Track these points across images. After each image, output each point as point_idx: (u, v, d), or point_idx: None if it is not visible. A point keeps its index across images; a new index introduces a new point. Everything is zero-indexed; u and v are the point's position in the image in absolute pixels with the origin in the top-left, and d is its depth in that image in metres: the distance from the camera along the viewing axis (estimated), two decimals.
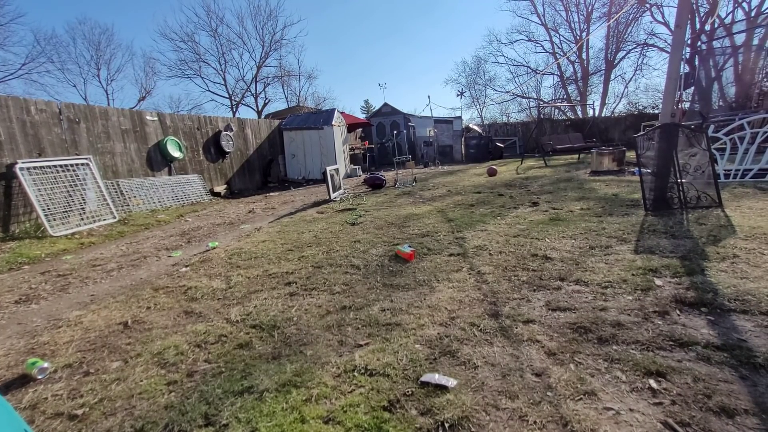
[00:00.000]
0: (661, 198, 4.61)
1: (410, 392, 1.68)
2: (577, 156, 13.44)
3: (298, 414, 1.59)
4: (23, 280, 3.85)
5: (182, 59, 30.49)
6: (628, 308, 2.25)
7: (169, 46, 43.18)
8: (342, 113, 14.94)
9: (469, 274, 3.04)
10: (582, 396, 1.56)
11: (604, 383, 1.63)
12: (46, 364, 2.07)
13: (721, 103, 13.05)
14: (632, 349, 1.85)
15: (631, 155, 9.49)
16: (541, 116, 23.22)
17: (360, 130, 19.34)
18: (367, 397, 1.67)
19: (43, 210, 5.74)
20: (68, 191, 6.27)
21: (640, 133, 5.55)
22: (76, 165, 6.63)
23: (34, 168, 5.96)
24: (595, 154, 9.14)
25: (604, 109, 29.07)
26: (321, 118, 12.98)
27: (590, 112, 26.79)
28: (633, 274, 2.71)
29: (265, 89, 31.54)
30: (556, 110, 28.12)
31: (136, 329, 2.53)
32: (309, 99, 33.87)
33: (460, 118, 21.32)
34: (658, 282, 2.57)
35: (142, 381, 1.92)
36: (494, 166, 10.84)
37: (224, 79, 30.46)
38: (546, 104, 27.26)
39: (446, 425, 1.47)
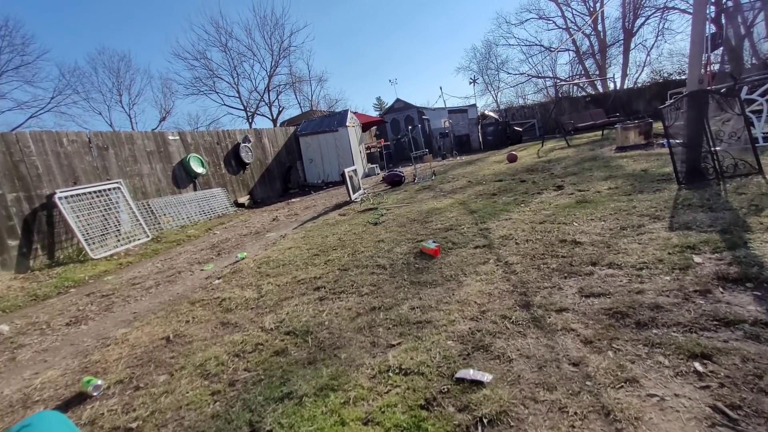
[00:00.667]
0: (694, 169, 4.39)
1: (446, 389, 1.68)
2: (600, 133, 12.95)
3: (337, 417, 1.63)
4: (71, 303, 4.09)
5: (196, 77, 31.35)
6: (666, 289, 2.17)
7: (183, 66, 44.52)
8: (355, 113, 15.00)
9: (497, 265, 3.00)
10: (623, 384, 1.52)
11: (646, 369, 1.59)
12: (99, 382, 2.20)
13: (754, 61, 12.26)
14: (674, 332, 1.79)
15: (658, 127, 9.07)
16: (559, 95, 22.50)
17: (374, 128, 19.35)
18: (403, 396, 1.68)
19: (83, 235, 6.07)
20: (103, 215, 6.60)
21: (666, 103, 5.30)
22: (109, 189, 6.96)
23: (71, 196, 6.30)
24: (620, 129, 8.79)
25: (626, 81, 27.83)
26: (335, 121, 13.07)
27: (611, 86, 25.74)
28: (669, 253, 2.60)
29: (278, 97, 32.03)
30: (575, 87, 27.15)
31: (178, 343, 2.65)
32: (321, 102, 34.17)
33: (474, 105, 20.99)
34: (697, 259, 2.46)
35: (188, 392, 2.01)
36: (514, 152, 10.61)
37: (238, 92, 31.13)
38: (563, 82, 26.39)
39: (485, 421, 1.47)
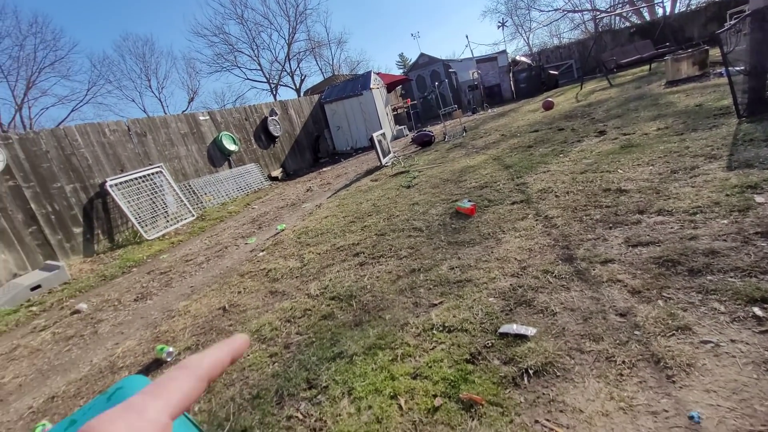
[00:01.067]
0: (757, 100, 3.94)
1: (490, 344, 1.72)
2: (647, 67, 11.80)
3: (387, 372, 1.72)
4: (135, 281, 4.48)
5: (217, 53, 31.49)
6: (723, 233, 2.04)
7: (204, 43, 44.70)
8: (378, 74, 14.55)
9: (536, 220, 2.93)
10: (674, 332, 1.49)
11: (699, 316, 1.53)
12: (171, 349, 2.44)
13: None
14: (731, 278, 1.70)
15: (715, 54, 8.13)
16: (599, 29, 20.50)
17: (399, 87, 18.75)
18: (448, 352, 1.75)
19: (136, 218, 6.52)
20: (151, 198, 7.02)
21: (725, 26, 4.70)
22: (152, 174, 7.34)
23: (120, 183, 6.72)
24: (670, 60, 7.95)
25: (677, 4, 24.80)
26: (358, 84, 12.77)
27: (659, 12, 23.06)
28: (727, 195, 2.42)
29: (299, 65, 31.60)
30: (617, 18, 24.59)
31: (233, 312, 2.86)
32: (343, 66, 33.37)
33: (504, 52, 19.66)
34: (759, 199, 2.27)
35: (249, 355, 2.20)
36: (550, 99, 9.96)
37: (259, 64, 30.95)
38: (604, 14, 23.93)
39: (530, 372, 1.50)
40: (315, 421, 1.57)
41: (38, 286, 4.80)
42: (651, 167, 3.29)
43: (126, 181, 6.82)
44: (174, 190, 7.50)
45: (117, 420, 0.23)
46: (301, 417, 1.62)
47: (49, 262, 5.52)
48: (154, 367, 2.38)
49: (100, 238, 6.48)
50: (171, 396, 0.26)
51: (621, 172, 3.40)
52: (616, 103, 7.23)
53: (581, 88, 11.39)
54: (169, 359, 2.39)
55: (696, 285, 1.71)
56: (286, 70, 31.20)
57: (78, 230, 6.21)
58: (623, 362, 1.42)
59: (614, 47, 15.95)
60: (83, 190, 6.45)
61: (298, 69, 31.53)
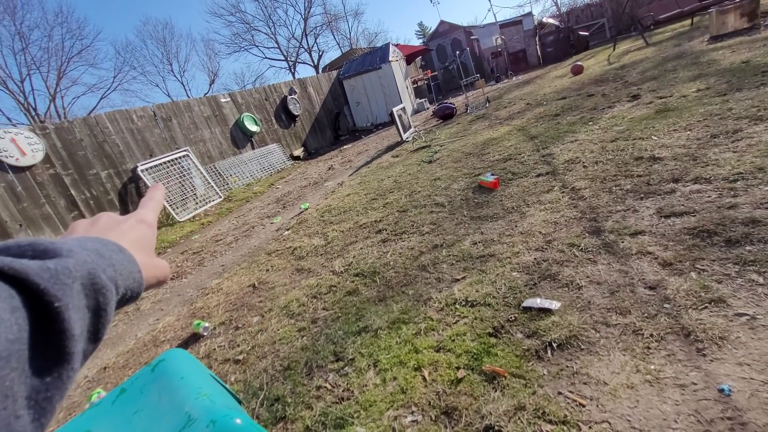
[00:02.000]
0: None
1: (513, 318, 1.73)
2: (689, 22, 10.88)
3: (411, 346, 1.77)
4: (170, 261, 4.72)
5: (235, 33, 31.41)
6: (766, 201, 1.92)
7: (221, 23, 44.59)
8: (397, 45, 14.13)
9: (562, 192, 2.85)
10: (707, 304, 1.44)
11: (735, 288, 1.47)
12: (207, 324, 2.59)
13: None
14: None
15: (767, 3, 7.37)
16: None
17: (419, 58, 18.19)
18: (471, 326, 1.77)
19: (167, 201, 6.79)
20: (179, 181, 7.27)
21: None
22: (179, 157, 7.57)
23: (150, 167, 6.98)
24: (715, 12, 7.29)
25: None
26: (377, 57, 12.47)
27: None
28: None
29: (316, 41, 31.16)
30: None
31: (263, 289, 2.98)
32: (360, 39, 32.58)
33: (530, 14, 18.57)
34: None
35: (278, 330, 2.30)
36: (579, 62, 9.41)
37: (276, 42, 30.68)
38: None
39: (554, 345, 1.51)
40: (343, 391, 1.65)
41: None
42: (688, 132, 3.10)
43: (155, 166, 7.07)
44: (201, 173, 7.72)
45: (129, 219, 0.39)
46: (329, 387, 1.70)
47: None
48: (192, 341, 2.54)
49: None
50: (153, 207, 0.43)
51: (655, 138, 3.22)
52: (652, 64, 6.76)
53: (614, 49, 10.67)
54: (205, 333, 2.54)
55: (733, 256, 1.64)
56: (303, 47, 30.82)
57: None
58: (651, 335, 1.40)
59: (651, 1, 14.74)
60: (117, 176, 6.75)
61: (315, 45, 31.10)
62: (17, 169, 5.54)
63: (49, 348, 0.22)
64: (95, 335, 0.26)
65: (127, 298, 0.30)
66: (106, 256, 0.29)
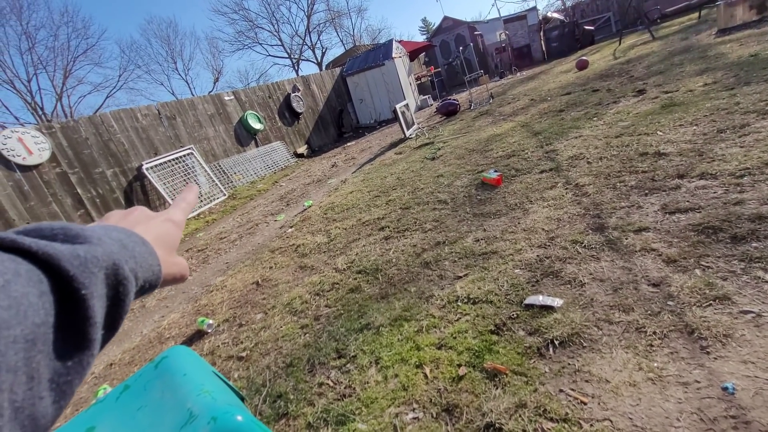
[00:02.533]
0: None
1: (515, 315, 1.72)
2: (697, 15, 10.72)
3: (412, 343, 1.77)
4: None
5: (239, 30, 31.46)
6: None
7: (225, 21, 44.67)
8: (400, 41, 14.06)
9: (566, 189, 2.83)
10: (711, 302, 1.43)
11: (740, 286, 1.46)
12: (211, 321, 2.61)
13: None
14: None
15: None
16: None
17: (423, 54, 18.10)
18: (473, 323, 1.77)
19: (172, 199, 6.82)
20: (184, 179, 7.31)
21: None
22: (184, 156, 7.60)
23: (155, 166, 7.02)
24: (723, 5, 7.18)
25: None
26: (380, 54, 12.42)
27: None
28: None
29: (319, 38, 31.11)
30: None
31: (266, 286, 2.99)
32: (364, 36, 32.50)
33: (534, 9, 18.38)
34: None
35: (281, 327, 2.32)
36: (584, 57, 9.31)
37: (280, 39, 30.66)
38: None
39: (556, 342, 1.50)
40: (345, 388, 1.66)
41: None
42: (695, 127, 3.06)
43: (160, 164, 7.11)
44: (205, 171, 7.76)
45: (159, 216, 0.40)
46: (331, 384, 1.71)
47: None
48: (196, 337, 2.56)
49: None
50: (183, 208, 0.45)
51: (660, 134, 3.18)
52: (658, 58, 6.67)
53: (620, 44, 10.55)
54: (209, 330, 2.56)
55: (738, 253, 1.62)
56: (306, 44, 30.79)
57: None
58: (654, 333, 1.39)
59: None
60: (122, 174, 6.80)
61: (318, 42, 31.05)
62: (24, 168, 5.60)
63: (72, 333, 0.23)
64: (113, 324, 0.27)
65: (145, 290, 0.32)
66: (129, 248, 0.30)
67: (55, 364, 0.21)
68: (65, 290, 0.22)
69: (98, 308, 0.24)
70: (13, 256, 0.21)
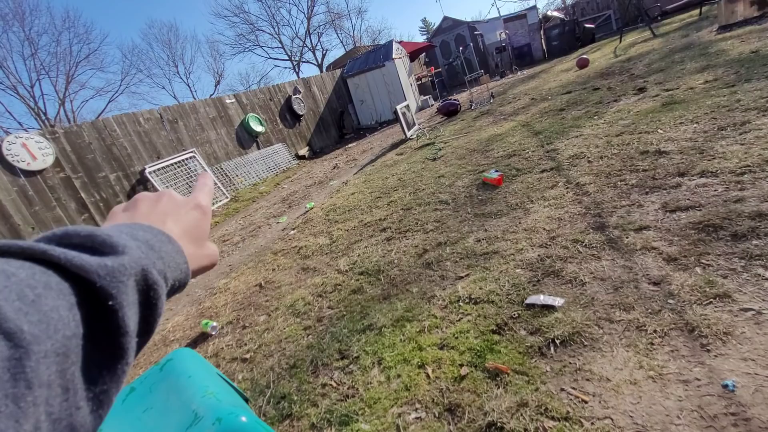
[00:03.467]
0: None
1: (516, 315, 1.73)
2: (698, 12, 10.69)
3: (415, 343, 1.78)
4: None
5: (239, 34, 31.61)
6: None
7: (225, 25, 44.93)
8: (400, 42, 14.08)
9: (566, 188, 2.83)
10: (712, 300, 1.43)
11: (741, 283, 1.46)
12: (215, 323, 2.63)
13: None
14: None
15: None
16: None
17: (423, 55, 18.11)
18: (475, 323, 1.78)
19: None
20: (187, 183, 7.35)
21: None
22: (186, 159, 7.65)
23: (158, 169, 7.07)
24: (723, 2, 7.15)
25: None
26: (380, 55, 12.45)
27: None
28: None
29: (320, 40, 31.19)
30: None
31: (269, 288, 3.01)
32: (364, 37, 32.56)
33: (534, 8, 18.37)
34: None
35: (284, 328, 2.33)
36: (584, 56, 9.30)
37: (280, 42, 30.81)
38: None
39: (557, 342, 1.51)
40: (348, 388, 1.67)
41: None
42: (695, 125, 3.06)
43: (163, 168, 7.16)
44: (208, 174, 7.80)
45: (188, 201, 0.40)
46: (334, 385, 1.72)
47: None
48: (200, 340, 2.58)
49: None
50: (207, 192, 0.44)
51: (661, 132, 3.18)
52: (658, 56, 6.66)
53: (620, 42, 10.53)
54: (213, 333, 2.58)
55: (739, 250, 1.62)
56: (307, 46, 30.88)
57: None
58: (654, 331, 1.39)
59: None
60: (125, 178, 6.85)
61: (318, 44, 31.13)
62: (29, 173, 5.65)
63: (105, 344, 0.23)
64: (147, 328, 0.27)
65: (175, 289, 0.32)
66: (156, 248, 0.30)
67: (91, 374, 0.22)
68: (95, 302, 0.23)
69: (130, 317, 0.24)
70: (44, 269, 0.22)
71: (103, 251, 0.25)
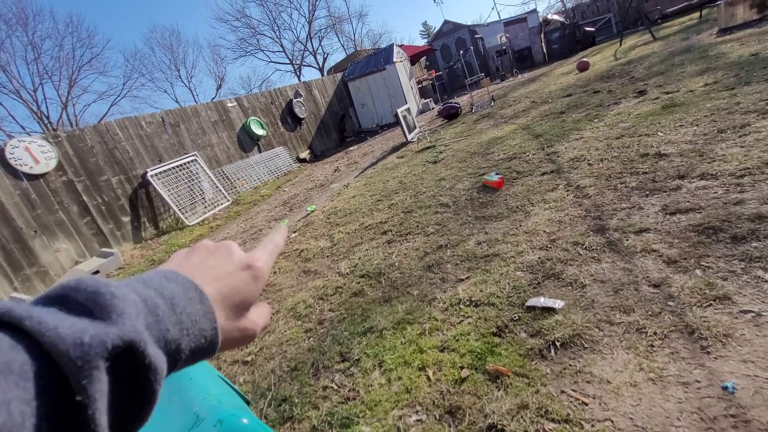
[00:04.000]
0: None
1: (517, 317, 1.73)
2: (698, 14, 10.71)
3: (415, 346, 1.79)
4: None
5: (241, 38, 31.74)
6: None
7: (227, 29, 45.05)
8: (401, 46, 14.15)
9: (567, 191, 2.84)
10: (712, 302, 1.44)
11: (741, 285, 1.46)
12: None
13: None
14: None
15: None
16: None
17: (424, 58, 18.19)
18: (475, 326, 1.78)
19: (176, 205, 6.89)
20: (188, 186, 7.37)
21: None
22: (188, 162, 7.67)
23: (160, 173, 7.09)
24: (723, 4, 7.18)
25: None
26: (381, 59, 12.50)
27: None
28: None
29: (321, 44, 31.34)
30: None
31: (270, 290, 3.02)
32: (365, 40, 32.70)
33: (535, 11, 18.44)
34: None
35: (286, 331, 2.34)
36: (585, 59, 9.33)
37: (282, 46, 30.93)
38: None
39: (557, 344, 1.51)
40: (348, 391, 1.67)
41: (97, 272, 5.25)
42: (695, 128, 3.06)
43: (165, 171, 7.18)
44: (209, 177, 7.82)
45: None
46: (335, 387, 1.72)
47: (104, 249, 6.00)
48: None
49: (146, 226, 6.93)
50: (271, 250, 0.39)
51: (661, 134, 3.19)
52: (659, 59, 6.68)
53: (620, 45, 10.56)
54: None
55: (739, 252, 1.63)
56: (308, 50, 31.01)
57: (126, 219, 6.67)
58: (654, 333, 1.40)
59: None
60: (127, 182, 6.87)
61: (320, 47, 31.26)
62: (31, 177, 5.68)
63: None
64: (135, 416, 0.23)
65: (195, 357, 0.27)
66: (177, 310, 0.25)
67: None
68: (65, 389, 0.19)
69: (101, 411, 0.20)
70: (14, 342, 0.19)
71: (97, 315, 0.21)
